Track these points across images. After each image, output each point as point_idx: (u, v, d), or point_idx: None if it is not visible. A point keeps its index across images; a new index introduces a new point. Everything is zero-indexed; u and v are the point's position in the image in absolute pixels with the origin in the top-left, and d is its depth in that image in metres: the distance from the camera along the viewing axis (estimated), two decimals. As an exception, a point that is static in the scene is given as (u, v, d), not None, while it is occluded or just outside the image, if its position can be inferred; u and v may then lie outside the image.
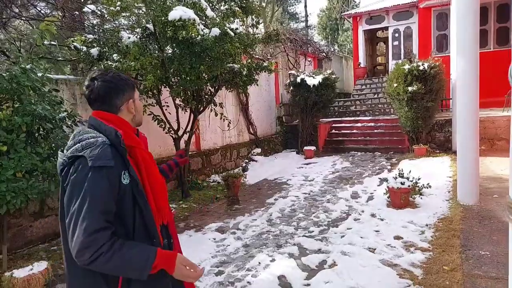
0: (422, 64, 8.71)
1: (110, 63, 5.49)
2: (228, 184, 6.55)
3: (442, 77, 8.95)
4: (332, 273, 3.35)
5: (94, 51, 5.89)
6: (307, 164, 9.23)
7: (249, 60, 6.90)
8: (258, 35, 7.22)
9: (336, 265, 3.51)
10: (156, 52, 5.84)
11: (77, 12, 7.27)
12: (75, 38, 5.50)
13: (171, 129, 6.35)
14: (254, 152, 9.82)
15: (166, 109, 6.31)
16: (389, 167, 8.09)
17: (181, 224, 5.19)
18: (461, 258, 3.31)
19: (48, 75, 4.05)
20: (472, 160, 4.88)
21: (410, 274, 3.17)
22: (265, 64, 6.92)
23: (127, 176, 1.34)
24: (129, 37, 5.71)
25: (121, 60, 5.50)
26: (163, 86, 6.21)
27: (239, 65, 6.29)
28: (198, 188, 7.00)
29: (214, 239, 4.55)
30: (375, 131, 10.94)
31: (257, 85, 7.33)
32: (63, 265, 4.23)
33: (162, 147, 7.19)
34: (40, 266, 3.38)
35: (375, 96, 13.92)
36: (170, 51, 6.02)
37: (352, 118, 12.08)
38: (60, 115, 3.97)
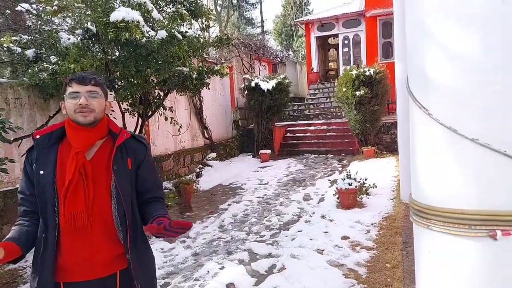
0: (368, 70, 9.12)
1: (46, 65, 5.12)
2: (179, 191, 6.36)
3: (387, 82, 9.44)
4: (281, 278, 3.33)
5: (30, 52, 5.48)
6: (262, 167, 9.25)
7: (200, 64, 6.79)
8: (209, 38, 7.13)
9: (285, 268, 3.50)
10: (99, 54, 5.56)
11: (8, 11, 6.73)
12: (4, 39, 5.07)
13: (117, 135, 6.03)
14: (209, 157, 9.67)
15: (111, 114, 6.00)
16: (340, 168, 8.33)
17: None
18: (402, 255, 3.44)
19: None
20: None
21: (355, 274, 3.23)
22: (216, 68, 6.86)
23: (37, 167, 1.46)
24: (68, 38, 5.37)
25: (59, 62, 5.15)
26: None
27: (188, 69, 6.15)
28: (148, 196, 6.72)
29: (162, 249, 4.36)
30: (328, 134, 11.25)
31: (209, 88, 7.23)
32: (-10, 287, 3.86)
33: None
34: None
35: (328, 100, 14.34)
36: (115, 54, 5.76)
37: (306, 122, 12.35)
38: (-15, 121, 3.61)
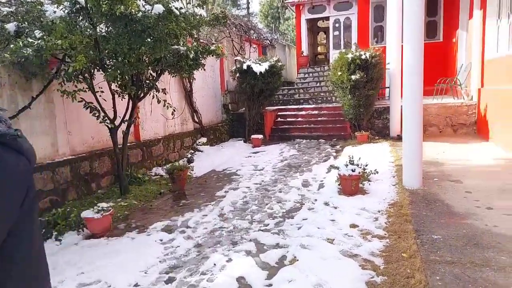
0: (364, 54, 8.94)
1: (31, 40, 4.66)
2: (173, 177, 6.09)
3: (382, 66, 9.31)
4: (294, 270, 3.18)
5: (11, 26, 4.98)
6: (255, 153, 9.05)
7: (195, 43, 6.43)
8: (205, 17, 6.74)
9: (297, 260, 3.35)
10: (88, 30, 5.12)
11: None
12: (-20, 9, 4.57)
13: (106, 118, 5.67)
14: (199, 142, 9.37)
15: (100, 96, 5.61)
16: (334, 154, 8.23)
17: (121, 225, 4.67)
18: (417, 244, 3.34)
19: None
20: (416, 146, 5.05)
21: (372, 264, 3.11)
22: (212, 47, 6.51)
23: None
24: (54, 11, 4.90)
25: (45, 37, 4.70)
26: (96, 69, 5.51)
27: (185, 48, 5.79)
28: (138, 183, 6.42)
29: (161, 240, 4.13)
30: (319, 119, 11.11)
31: (204, 69, 6.89)
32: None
33: (96, 138, 6.45)
34: None
35: (318, 84, 14.17)
36: (104, 30, 5.33)
37: (297, 106, 12.16)
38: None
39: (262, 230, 4.19)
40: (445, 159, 6.51)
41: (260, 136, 10.09)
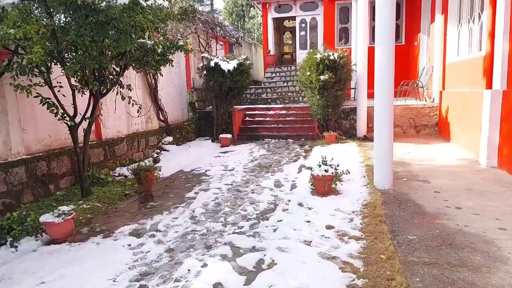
0: (333, 54, 9.05)
1: (-22, 28, 4.16)
2: (139, 178, 5.76)
3: (350, 67, 9.49)
4: (273, 274, 3.06)
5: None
6: (224, 152, 8.86)
7: (162, 38, 6.14)
8: (172, 10, 6.45)
9: (276, 263, 3.24)
10: (45, 19, 4.68)
11: None
12: None
13: (65, 115, 5.24)
14: (165, 141, 9.01)
15: (59, 91, 5.18)
16: (303, 154, 8.25)
17: (84, 230, 4.32)
18: (394, 245, 3.36)
19: None
20: (387, 147, 5.13)
21: (351, 267, 3.07)
22: (181, 42, 6.25)
23: None
24: (4, -3, 4.43)
25: (-5, 25, 4.22)
26: (53, 63, 5.06)
27: (152, 42, 5.49)
28: (101, 184, 6.03)
29: (129, 245, 3.86)
30: (287, 118, 11.12)
31: (172, 65, 6.61)
32: None
33: (54, 136, 5.96)
34: None
35: (285, 84, 14.20)
36: (62, 20, 4.91)
37: (265, 106, 12.10)
38: None
39: (237, 233, 4.05)
40: (411, 159, 6.72)
41: (229, 136, 9.91)
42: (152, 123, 9.00)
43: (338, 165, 5.33)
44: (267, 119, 11.30)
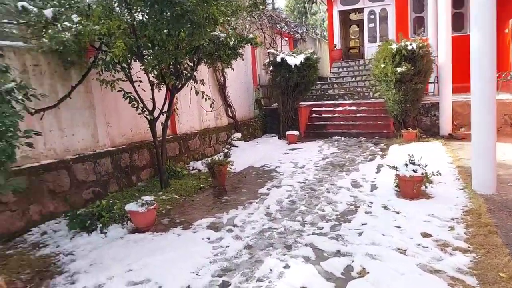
0: (411, 44, 8.32)
1: (69, 24, 4.43)
2: (213, 172, 5.78)
3: (430, 58, 8.65)
4: (366, 284, 2.76)
5: (48, 12, 4.79)
6: (291, 149, 8.63)
7: (231, 32, 6.08)
8: (242, 3, 6.36)
9: (367, 272, 2.93)
10: (126, 15, 4.85)
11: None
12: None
13: (145, 109, 5.42)
14: (234, 137, 9.05)
15: (139, 85, 5.36)
16: (380, 152, 7.69)
17: (164, 220, 4.40)
18: (512, 260, 2.85)
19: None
20: (489, 146, 4.49)
21: (463, 284, 2.65)
22: (250, 35, 6.15)
23: None
24: (90, -4, 4.67)
25: (82, 22, 4.47)
26: (133, 59, 5.24)
27: (225, 34, 5.45)
28: (177, 177, 6.17)
29: (208, 238, 3.82)
30: (358, 115, 10.54)
31: (243, 59, 6.55)
32: (22, 274, 3.33)
33: (134, 130, 6.23)
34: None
35: (353, 79, 13.54)
36: (140, 15, 5.05)
37: (332, 102, 11.62)
38: (6, 85, 2.97)
39: (317, 234, 3.80)
40: None
41: (296, 133, 9.65)
42: (222, 119, 9.09)
43: (426, 165, 4.80)
44: (335, 115, 10.83)
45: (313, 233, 3.82)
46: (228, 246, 3.61)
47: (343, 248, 3.43)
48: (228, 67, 6.14)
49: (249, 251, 3.51)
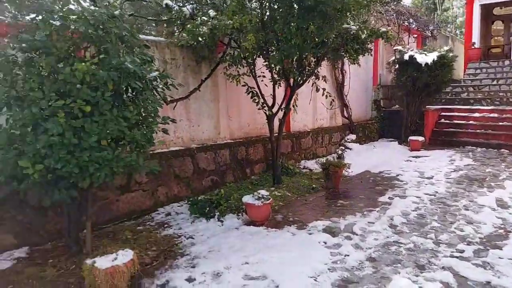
0: None
1: (205, 18, 4.70)
2: (328, 173, 5.48)
3: None
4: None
5: (187, 9, 5.20)
6: (415, 157, 7.72)
7: (362, 25, 5.64)
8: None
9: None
10: (257, 9, 4.91)
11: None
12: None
13: (265, 105, 5.44)
14: (348, 139, 8.57)
15: (262, 81, 5.41)
16: (533, 169, 6.26)
17: (278, 217, 4.30)
18: None
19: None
20: None
21: None
22: (382, 29, 5.62)
23: None
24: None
25: (218, 16, 4.68)
26: (258, 56, 5.29)
27: (356, 27, 5.08)
28: (289, 174, 6.06)
29: (325, 243, 3.55)
30: (500, 123, 8.88)
31: (371, 54, 6.07)
32: (150, 250, 3.64)
33: (251, 125, 6.37)
34: (125, 256, 2.72)
35: (494, 82, 11.48)
36: (268, 10, 5.05)
37: (467, 107, 10.04)
38: (151, 74, 3.23)
39: (456, 257, 3.18)
40: None
41: (421, 138, 8.61)
42: (336, 119, 8.70)
43: None
44: (470, 122, 9.33)
45: (451, 256, 3.22)
46: (347, 255, 3.28)
47: (495, 280, 2.77)
48: (355, 63, 5.74)
49: (373, 264, 3.12)
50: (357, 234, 3.74)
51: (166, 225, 4.14)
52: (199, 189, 5.15)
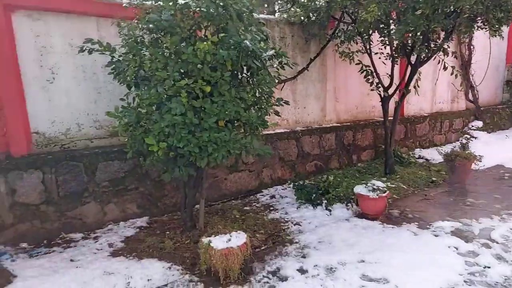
0: None
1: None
2: (452, 165, 4.74)
3: None
4: None
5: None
6: None
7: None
8: None
9: None
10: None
11: None
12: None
13: (379, 85, 4.90)
14: (472, 126, 7.38)
15: (379, 58, 4.86)
16: None
17: (394, 211, 3.86)
18: None
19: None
20: None
21: None
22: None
23: None
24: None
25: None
26: (372, 30, 4.73)
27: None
28: (402, 164, 5.46)
29: (456, 248, 3.03)
30: None
31: (507, 25, 4.95)
32: (258, 233, 3.62)
33: (359, 108, 5.87)
34: (238, 239, 2.68)
35: None
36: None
37: None
38: (267, 52, 3.06)
39: None
40: None
41: None
42: (459, 103, 7.55)
43: None
44: None
45: None
46: (488, 267, 2.73)
47: None
48: (496, 35, 4.75)
49: (523, 282, 2.53)
50: (497, 243, 3.10)
51: (271, 208, 4.07)
52: (302, 173, 4.96)
